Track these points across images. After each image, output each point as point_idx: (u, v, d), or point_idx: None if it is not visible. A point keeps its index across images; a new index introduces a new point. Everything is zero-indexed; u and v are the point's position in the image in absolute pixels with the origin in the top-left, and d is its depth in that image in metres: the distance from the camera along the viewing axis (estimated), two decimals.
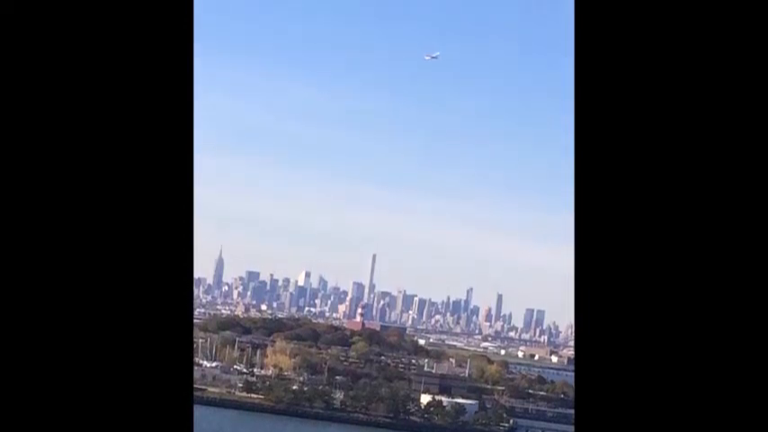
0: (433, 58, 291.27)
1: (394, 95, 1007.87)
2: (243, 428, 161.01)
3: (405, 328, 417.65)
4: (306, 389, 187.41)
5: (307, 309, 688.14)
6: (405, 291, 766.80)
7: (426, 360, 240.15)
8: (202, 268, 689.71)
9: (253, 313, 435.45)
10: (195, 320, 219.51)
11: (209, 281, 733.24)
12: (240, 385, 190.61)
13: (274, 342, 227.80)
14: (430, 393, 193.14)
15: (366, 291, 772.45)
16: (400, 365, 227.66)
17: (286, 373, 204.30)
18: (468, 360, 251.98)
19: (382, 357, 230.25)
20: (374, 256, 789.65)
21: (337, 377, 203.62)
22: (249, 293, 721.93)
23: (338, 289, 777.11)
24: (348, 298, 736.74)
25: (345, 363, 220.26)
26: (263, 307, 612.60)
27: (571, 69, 17.13)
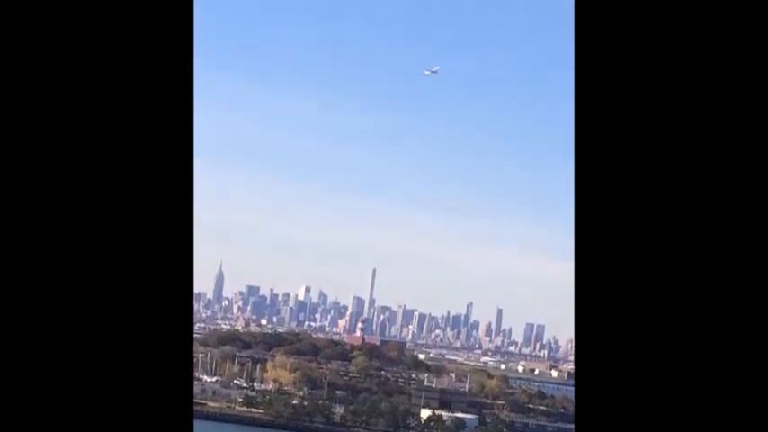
0: (432, 72, 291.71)
1: (394, 109, 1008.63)
2: None
3: (405, 343, 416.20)
4: (306, 403, 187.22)
5: (307, 323, 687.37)
6: (405, 305, 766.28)
7: (426, 375, 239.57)
8: (202, 283, 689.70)
9: (253, 328, 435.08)
10: (195, 335, 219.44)
11: (210, 295, 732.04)
12: (240, 400, 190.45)
13: (274, 357, 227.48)
14: (430, 408, 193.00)
15: (366, 305, 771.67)
16: (400, 380, 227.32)
17: (286, 388, 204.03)
18: (468, 374, 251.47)
19: (382, 372, 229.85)
20: (374, 271, 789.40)
21: (337, 392, 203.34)
22: (249, 308, 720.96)
23: (338, 303, 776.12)
24: (348, 312, 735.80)
25: (345, 377, 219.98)
26: (263, 321, 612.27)
27: (572, 81, 17.15)
